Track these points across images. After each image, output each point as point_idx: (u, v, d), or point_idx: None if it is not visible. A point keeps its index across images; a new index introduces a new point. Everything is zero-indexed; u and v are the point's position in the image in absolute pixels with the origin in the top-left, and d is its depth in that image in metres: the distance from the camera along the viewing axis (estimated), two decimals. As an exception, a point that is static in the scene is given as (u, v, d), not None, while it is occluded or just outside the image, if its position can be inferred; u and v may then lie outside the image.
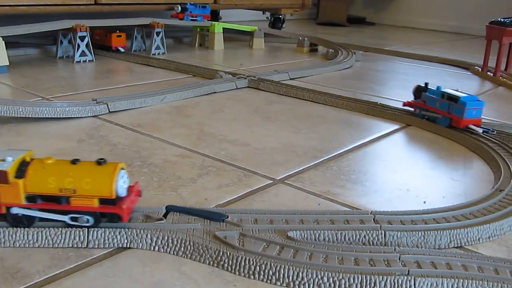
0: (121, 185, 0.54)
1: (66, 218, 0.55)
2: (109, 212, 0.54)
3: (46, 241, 0.53)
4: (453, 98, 1.01)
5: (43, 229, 0.54)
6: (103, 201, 0.54)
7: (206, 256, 0.53)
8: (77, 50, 1.57)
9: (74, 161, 0.55)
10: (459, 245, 0.59)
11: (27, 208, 0.54)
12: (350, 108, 1.18)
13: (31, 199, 0.54)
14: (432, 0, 3.53)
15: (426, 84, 1.11)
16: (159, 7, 1.89)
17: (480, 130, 0.97)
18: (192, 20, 1.97)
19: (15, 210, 0.54)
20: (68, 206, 0.54)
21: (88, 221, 0.54)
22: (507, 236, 0.62)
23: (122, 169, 0.55)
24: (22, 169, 0.54)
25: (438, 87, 1.06)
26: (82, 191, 0.53)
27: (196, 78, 1.45)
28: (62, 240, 0.54)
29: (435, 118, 1.05)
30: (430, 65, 1.92)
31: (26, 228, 0.54)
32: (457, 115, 0.99)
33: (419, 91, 1.12)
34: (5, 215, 0.55)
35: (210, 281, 0.50)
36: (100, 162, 0.54)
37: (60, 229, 0.54)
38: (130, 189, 0.57)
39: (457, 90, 1.04)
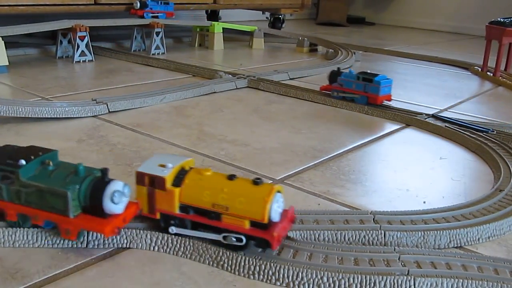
0: (275, 209, 0.51)
1: (219, 237, 0.52)
2: (258, 237, 0.51)
3: (46, 241, 0.53)
4: (368, 79, 1.15)
5: (42, 229, 0.54)
6: (254, 224, 0.51)
7: (206, 256, 0.53)
8: (77, 50, 1.57)
9: (231, 177, 0.53)
10: (459, 245, 0.59)
11: (181, 219, 0.53)
12: (350, 108, 1.18)
13: (184, 209, 0.53)
14: (432, 0, 3.53)
15: (339, 69, 1.25)
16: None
17: (391, 103, 1.16)
18: (153, 17, 1.85)
19: (173, 230, 0.54)
20: (219, 223, 0.52)
21: (238, 240, 0.52)
22: (506, 236, 0.62)
23: (279, 192, 0.52)
24: (179, 177, 0.53)
25: (350, 71, 1.20)
26: (234, 209, 0.51)
27: (195, 78, 1.45)
28: (62, 240, 0.54)
29: (353, 98, 1.19)
30: (430, 65, 1.93)
31: (25, 228, 0.54)
32: (373, 93, 1.14)
33: (334, 75, 1.24)
34: (158, 221, 0.54)
35: (210, 281, 0.50)
36: (256, 182, 0.52)
37: (60, 229, 0.54)
38: (284, 213, 0.53)
39: (367, 72, 1.19)
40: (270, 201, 0.50)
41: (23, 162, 0.52)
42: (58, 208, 0.51)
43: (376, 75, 1.15)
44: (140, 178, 0.54)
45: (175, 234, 0.54)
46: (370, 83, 1.15)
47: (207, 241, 0.53)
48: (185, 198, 0.53)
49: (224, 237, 0.52)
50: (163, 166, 0.54)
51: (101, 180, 0.52)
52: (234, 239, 0.52)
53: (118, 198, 0.51)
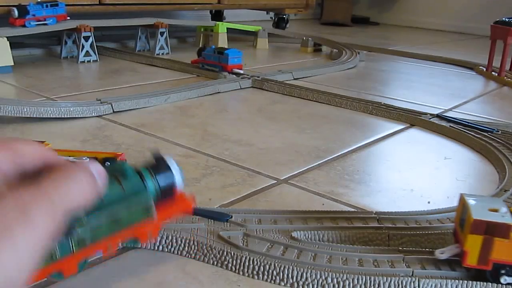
0: None
1: None
2: None
3: (51, 240, 0.53)
4: (220, 52, 1.44)
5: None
6: None
7: (210, 256, 0.53)
8: (82, 50, 1.58)
9: None
10: (464, 245, 0.58)
11: None
12: (354, 108, 1.18)
13: None
14: (437, 0, 3.52)
15: (204, 45, 1.63)
16: (163, 7, 1.89)
17: (241, 72, 1.42)
18: (40, 25, 1.47)
19: (506, 280, 0.50)
20: None
21: None
22: None
23: None
24: None
25: (212, 47, 1.50)
26: None
27: (200, 78, 1.45)
28: (67, 240, 0.54)
29: (212, 68, 1.46)
30: (434, 65, 1.92)
31: None
32: (224, 63, 1.43)
33: (200, 51, 1.53)
34: (487, 272, 0.50)
35: (214, 281, 0.50)
36: None
37: (65, 228, 0.54)
38: None
39: (222, 47, 1.51)
40: None
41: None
42: (137, 219, 0.42)
43: (227, 49, 1.45)
44: (477, 226, 0.49)
45: (507, 284, 0.50)
46: (222, 55, 1.43)
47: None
48: None
49: None
50: (495, 210, 0.50)
51: (160, 162, 0.43)
52: None
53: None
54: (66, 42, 1.65)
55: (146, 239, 0.41)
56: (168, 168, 0.42)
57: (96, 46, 1.62)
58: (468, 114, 1.19)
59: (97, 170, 0.33)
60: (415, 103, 1.27)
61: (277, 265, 0.50)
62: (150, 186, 0.42)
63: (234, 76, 1.40)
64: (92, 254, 0.40)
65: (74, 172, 0.30)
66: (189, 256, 0.54)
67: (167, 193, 0.43)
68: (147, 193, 0.42)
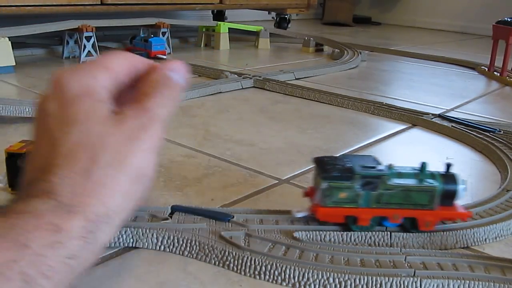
0: None
1: None
2: None
3: (53, 240, 0.53)
4: (146, 40, 1.66)
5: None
6: None
7: (212, 256, 0.53)
8: (83, 50, 1.58)
9: None
10: (466, 245, 0.58)
11: None
12: (356, 108, 1.18)
13: None
14: (438, 0, 3.51)
15: (135, 35, 1.76)
16: (165, 7, 1.89)
17: (164, 57, 1.66)
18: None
19: None
20: None
21: None
22: (514, 237, 0.62)
23: None
24: None
25: (141, 36, 1.72)
26: None
27: (201, 78, 1.45)
28: (68, 240, 0.54)
29: (141, 54, 1.67)
30: (436, 65, 1.92)
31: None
32: (149, 49, 1.65)
33: (131, 39, 1.74)
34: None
35: (215, 281, 0.50)
36: None
37: (66, 228, 0.54)
38: None
39: (152, 36, 1.72)
40: None
41: (381, 167, 0.56)
42: (421, 203, 0.55)
43: (151, 37, 1.68)
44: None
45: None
46: (147, 43, 1.66)
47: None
48: None
49: None
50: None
51: (450, 175, 0.56)
52: None
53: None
54: (68, 42, 1.65)
55: (423, 224, 0.56)
56: (455, 179, 0.56)
57: (98, 46, 1.62)
58: (470, 114, 1.19)
59: (178, 71, 0.42)
60: (417, 103, 1.27)
61: (279, 265, 0.50)
62: (439, 186, 0.55)
63: (236, 76, 1.40)
64: (383, 214, 0.56)
65: (163, 84, 0.40)
66: (191, 256, 0.54)
67: (449, 197, 0.56)
68: (436, 189, 0.55)
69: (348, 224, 0.56)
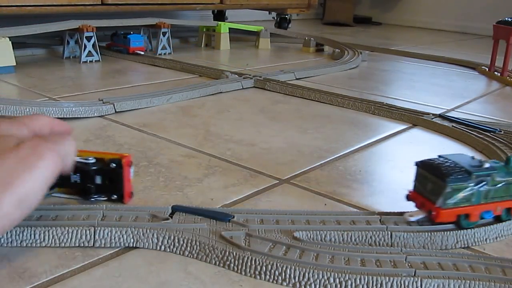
0: None
1: None
2: None
3: (53, 240, 0.54)
4: (125, 36, 1.70)
5: (49, 228, 0.54)
6: None
7: (212, 256, 0.53)
8: (84, 50, 1.58)
9: None
10: (466, 245, 0.58)
11: None
12: (356, 108, 1.18)
13: None
14: (439, 0, 3.51)
15: (116, 31, 1.78)
16: (166, 7, 1.89)
17: (142, 53, 1.69)
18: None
19: None
20: None
21: None
22: (514, 237, 0.61)
23: None
24: None
25: (120, 32, 1.74)
26: None
27: (202, 78, 1.45)
28: (69, 239, 0.54)
29: (121, 50, 1.72)
30: (436, 65, 1.92)
31: (33, 227, 0.54)
32: (127, 45, 1.68)
33: (112, 36, 1.78)
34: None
35: (216, 281, 0.50)
36: None
37: (67, 228, 0.54)
38: None
39: (127, 32, 1.74)
40: None
41: (487, 165, 0.58)
42: None
43: (130, 34, 1.70)
44: None
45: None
46: (126, 39, 1.69)
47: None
48: None
49: None
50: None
51: None
52: None
53: None
54: (68, 42, 1.65)
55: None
56: None
57: (99, 46, 1.62)
58: (470, 114, 1.19)
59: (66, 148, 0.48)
60: (418, 103, 1.27)
61: (279, 265, 0.50)
62: None
63: (236, 76, 1.40)
64: (489, 209, 0.59)
65: (64, 140, 0.48)
66: (191, 256, 0.54)
67: None
68: None
69: (459, 222, 0.58)
